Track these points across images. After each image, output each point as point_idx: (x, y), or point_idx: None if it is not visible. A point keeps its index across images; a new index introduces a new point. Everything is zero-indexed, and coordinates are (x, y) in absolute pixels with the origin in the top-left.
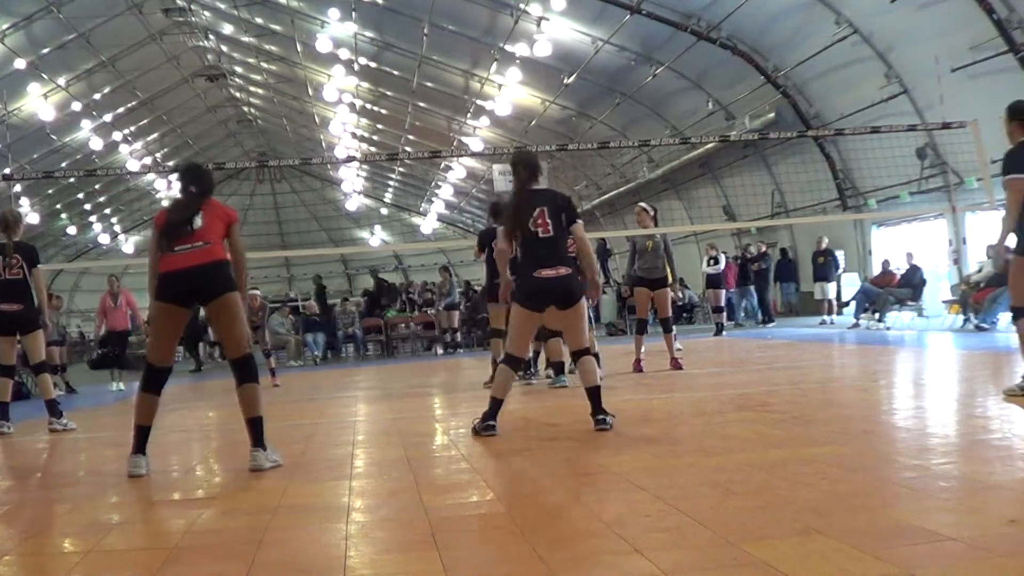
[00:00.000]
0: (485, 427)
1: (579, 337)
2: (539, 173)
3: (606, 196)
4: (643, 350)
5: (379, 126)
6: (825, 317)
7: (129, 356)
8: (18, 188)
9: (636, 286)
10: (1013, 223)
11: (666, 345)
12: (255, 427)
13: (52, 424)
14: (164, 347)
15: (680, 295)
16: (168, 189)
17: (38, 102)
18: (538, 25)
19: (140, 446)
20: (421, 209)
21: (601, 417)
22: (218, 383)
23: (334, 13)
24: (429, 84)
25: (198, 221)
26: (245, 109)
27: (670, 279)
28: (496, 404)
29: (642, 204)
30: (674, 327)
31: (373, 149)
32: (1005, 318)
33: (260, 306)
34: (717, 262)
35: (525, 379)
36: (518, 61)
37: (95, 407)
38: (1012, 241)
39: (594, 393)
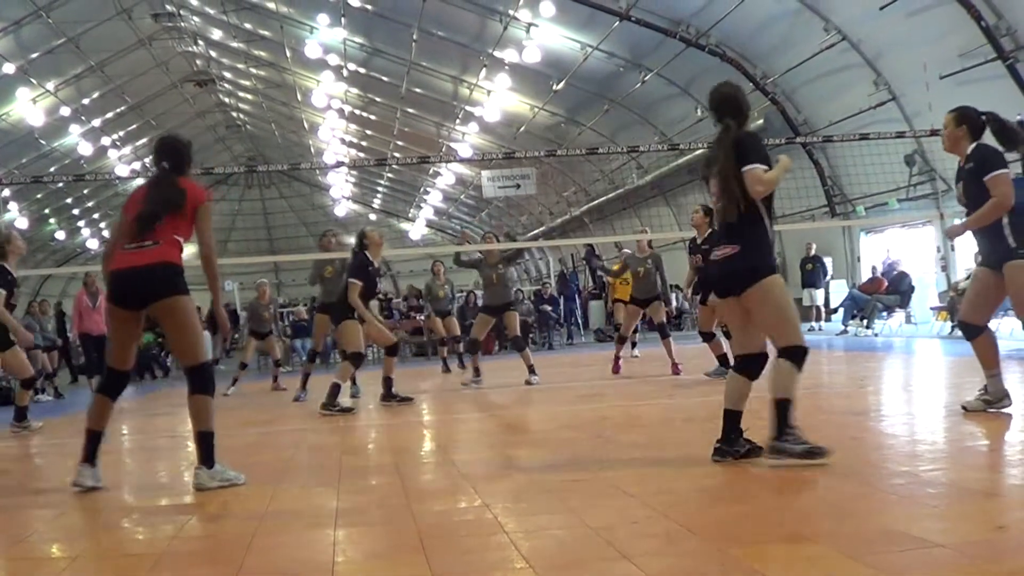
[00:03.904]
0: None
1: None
2: None
3: (595, 202)
4: (623, 352)
5: (368, 132)
6: (813, 324)
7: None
8: (6, 193)
9: (630, 304)
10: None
11: (665, 351)
12: (202, 442)
13: None
14: (117, 351)
15: (681, 304)
16: None
17: (27, 107)
18: (527, 31)
19: (89, 454)
20: (410, 215)
21: None
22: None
23: (323, 19)
24: (418, 90)
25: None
26: (234, 114)
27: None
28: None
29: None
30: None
31: (362, 155)
32: (992, 326)
33: (270, 298)
34: None
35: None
36: (507, 67)
37: (81, 412)
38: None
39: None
